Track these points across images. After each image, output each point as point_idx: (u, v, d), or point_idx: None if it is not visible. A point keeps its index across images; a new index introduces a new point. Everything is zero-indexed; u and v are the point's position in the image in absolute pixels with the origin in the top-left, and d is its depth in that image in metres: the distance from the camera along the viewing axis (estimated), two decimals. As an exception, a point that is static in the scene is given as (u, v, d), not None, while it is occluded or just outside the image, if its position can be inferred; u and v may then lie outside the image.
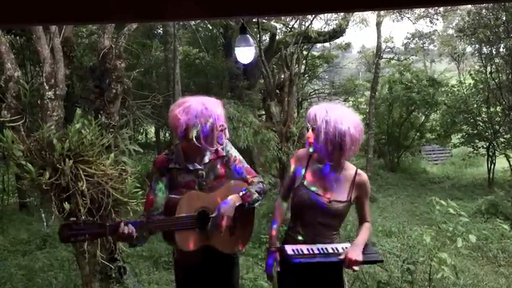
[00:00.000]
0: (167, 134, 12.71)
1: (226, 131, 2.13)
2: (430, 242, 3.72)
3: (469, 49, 12.40)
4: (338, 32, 10.32)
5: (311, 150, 2.11)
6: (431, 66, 19.44)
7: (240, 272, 2.43)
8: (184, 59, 9.62)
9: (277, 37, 9.76)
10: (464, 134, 11.72)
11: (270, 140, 6.61)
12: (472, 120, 11.03)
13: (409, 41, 15.49)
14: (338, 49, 14.78)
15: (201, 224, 2.04)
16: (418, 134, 13.17)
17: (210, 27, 10.21)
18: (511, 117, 9.61)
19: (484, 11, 9.30)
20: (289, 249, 2.06)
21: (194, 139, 1.94)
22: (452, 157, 14.41)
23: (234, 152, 2.24)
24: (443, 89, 12.40)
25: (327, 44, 13.50)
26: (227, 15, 0.89)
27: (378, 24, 11.52)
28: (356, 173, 2.14)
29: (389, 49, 13.50)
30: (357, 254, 1.99)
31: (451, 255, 4.04)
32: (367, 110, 12.20)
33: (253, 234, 2.34)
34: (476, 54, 10.69)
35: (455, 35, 12.32)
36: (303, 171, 2.15)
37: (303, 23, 10.37)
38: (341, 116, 1.98)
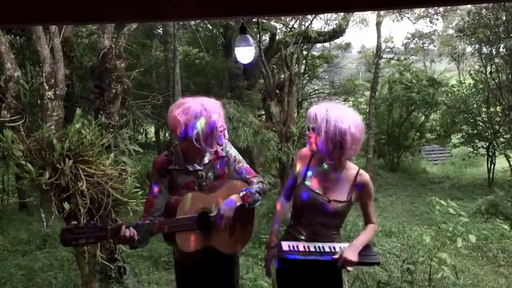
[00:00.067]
0: (167, 134, 12.71)
1: (226, 131, 2.13)
2: (430, 242, 3.72)
3: (469, 49, 12.42)
4: (338, 32, 10.32)
5: (312, 149, 2.11)
6: (431, 66, 19.45)
7: (240, 272, 2.43)
8: (184, 59, 9.62)
9: (277, 37, 9.77)
10: (464, 134, 11.73)
11: (269, 140, 6.61)
12: (472, 120, 11.04)
13: (409, 41, 15.49)
14: (338, 49, 14.79)
15: (202, 225, 2.04)
16: (418, 134, 13.18)
17: (210, 27, 10.21)
18: (511, 117, 9.61)
19: (484, 11, 9.30)
20: (285, 245, 2.06)
21: (194, 140, 1.94)
22: (452, 157, 14.41)
23: (234, 152, 2.23)
24: (443, 89, 12.41)
25: (326, 44, 13.51)
26: (227, 15, 0.89)
27: (378, 24, 11.52)
28: (358, 173, 2.12)
29: (389, 49, 13.51)
30: (352, 254, 1.98)
31: (451, 255, 4.04)
32: (367, 110, 12.19)
33: (253, 234, 2.35)
34: (476, 54, 10.69)
35: (455, 35, 12.32)
36: (304, 170, 2.15)
37: (303, 23, 10.38)
38: (341, 115, 1.98)
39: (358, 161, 10.60)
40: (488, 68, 10.15)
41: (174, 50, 6.64)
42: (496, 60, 9.95)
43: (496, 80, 9.82)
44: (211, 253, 2.10)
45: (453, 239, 3.82)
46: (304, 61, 12.03)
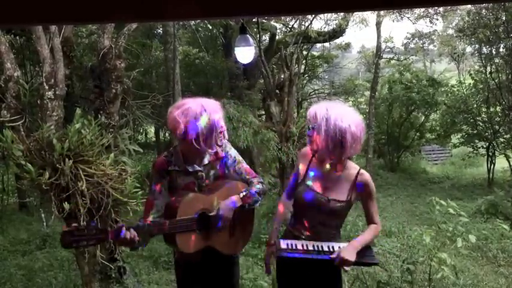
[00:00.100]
0: (167, 134, 12.71)
1: (225, 132, 2.13)
2: (430, 242, 3.71)
3: (468, 49, 12.43)
4: (338, 32, 10.32)
5: (313, 148, 2.11)
6: (431, 66, 19.45)
7: (240, 272, 2.43)
8: (184, 59, 9.62)
9: (277, 37, 9.77)
10: (464, 134, 11.73)
11: (269, 140, 6.61)
12: (471, 120, 11.04)
13: (409, 41, 15.49)
14: (338, 49, 14.79)
15: (202, 226, 2.04)
16: (418, 134, 13.18)
17: (210, 27, 10.21)
18: (510, 117, 9.60)
19: (483, 11, 9.30)
20: (283, 243, 2.06)
21: (193, 141, 1.94)
22: (452, 157, 14.42)
23: (234, 153, 2.23)
24: (443, 89, 12.41)
25: (326, 44, 13.52)
26: (227, 15, 0.89)
27: (378, 24, 11.53)
28: (358, 172, 2.11)
29: (389, 49, 13.53)
30: (349, 254, 1.97)
31: (450, 255, 4.04)
32: (367, 110, 12.21)
33: (253, 234, 2.35)
34: (476, 54, 10.68)
35: (455, 35, 12.32)
36: (305, 169, 2.15)
37: (303, 23, 10.38)
38: (341, 114, 1.98)
39: (358, 161, 10.61)
40: (488, 68, 10.15)
41: (174, 50, 6.64)
42: (496, 60, 9.95)
43: (496, 80, 9.82)
44: (211, 253, 2.10)
45: (453, 239, 3.82)
46: (304, 61, 12.03)
